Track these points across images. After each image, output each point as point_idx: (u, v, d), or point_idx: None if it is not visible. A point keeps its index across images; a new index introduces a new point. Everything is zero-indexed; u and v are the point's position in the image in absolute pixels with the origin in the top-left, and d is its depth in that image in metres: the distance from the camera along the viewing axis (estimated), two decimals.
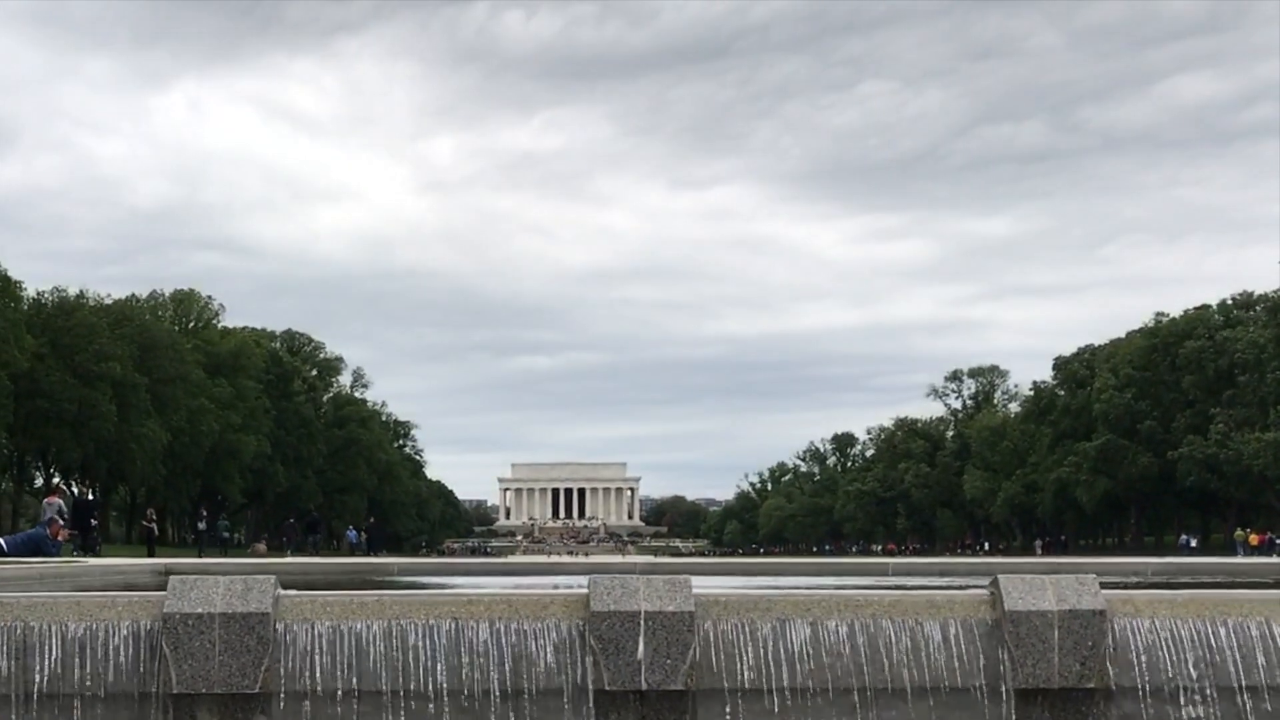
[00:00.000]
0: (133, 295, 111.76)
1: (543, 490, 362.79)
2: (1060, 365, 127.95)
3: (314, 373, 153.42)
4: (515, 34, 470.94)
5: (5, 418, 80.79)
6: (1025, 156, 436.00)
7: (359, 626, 7.62)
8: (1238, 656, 8.06)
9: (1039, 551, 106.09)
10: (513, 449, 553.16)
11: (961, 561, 14.43)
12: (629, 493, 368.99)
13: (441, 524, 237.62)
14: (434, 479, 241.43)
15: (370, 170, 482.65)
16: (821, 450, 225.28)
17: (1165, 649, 8.06)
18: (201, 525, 78.69)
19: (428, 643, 7.65)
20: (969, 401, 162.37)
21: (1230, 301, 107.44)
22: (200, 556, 56.35)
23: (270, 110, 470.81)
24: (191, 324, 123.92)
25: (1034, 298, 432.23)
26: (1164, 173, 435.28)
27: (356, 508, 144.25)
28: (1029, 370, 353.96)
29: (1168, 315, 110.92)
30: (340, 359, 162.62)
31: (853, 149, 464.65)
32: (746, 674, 7.84)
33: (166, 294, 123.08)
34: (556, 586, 10.04)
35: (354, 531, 77.65)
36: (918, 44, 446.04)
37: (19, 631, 7.42)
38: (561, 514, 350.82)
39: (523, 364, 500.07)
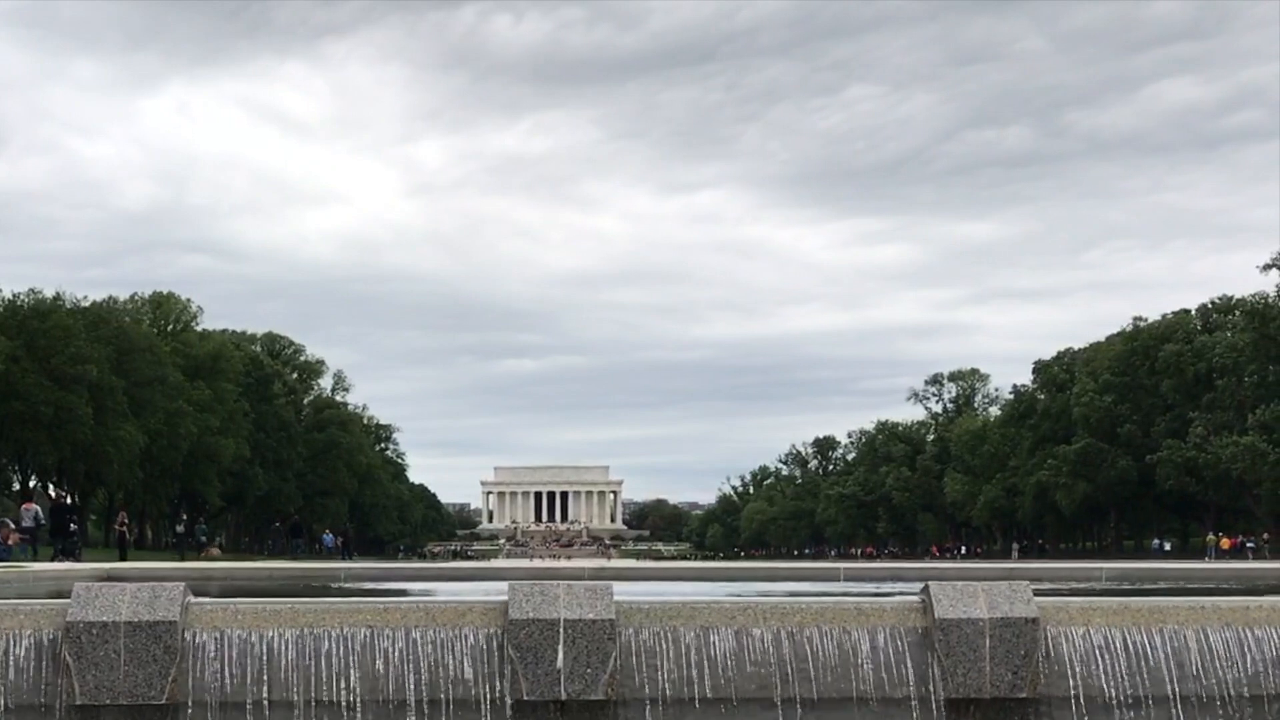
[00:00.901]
0: (110, 297, 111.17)
1: (525, 493, 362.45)
2: (1040, 369, 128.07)
3: (294, 376, 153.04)
4: (504, 38, 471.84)
5: None
6: (1011, 161, 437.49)
7: (271, 635, 7.46)
8: (1171, 665, 7.95)
9: (1015, 555, 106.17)
10: (496, 452, 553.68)
11: (913, 566, 14.31)
12: (612, 496, 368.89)
13: (424, 527, 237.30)
14: (416, 482, 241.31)
15: (358, 173, 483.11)
16: (803, 454, 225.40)
17: (1099, 658, 7.94)
18: (180, 529, 78.30)
19: (341, 651, 7.49)
20: (949, 405, 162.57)
21: (1210, 305, 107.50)
22: (181, 560, 56.20)
23: (258, 113, 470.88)
24: (170, 326, 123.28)
25: (1018, 301, 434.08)
26: (1149, 177, 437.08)
27: (337, 511, 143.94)
28: (1014, 374, 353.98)
29: (1146, 319, 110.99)
30: (321, 362, 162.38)
31: (840, 153, 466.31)
32: (669, 683, 7.69)
33: (145, 296, 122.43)
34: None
35: (330, 535, 77.35)
36: (905, 48, 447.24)
37: None
38: (544, 517, 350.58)
39: (508, 367, 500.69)
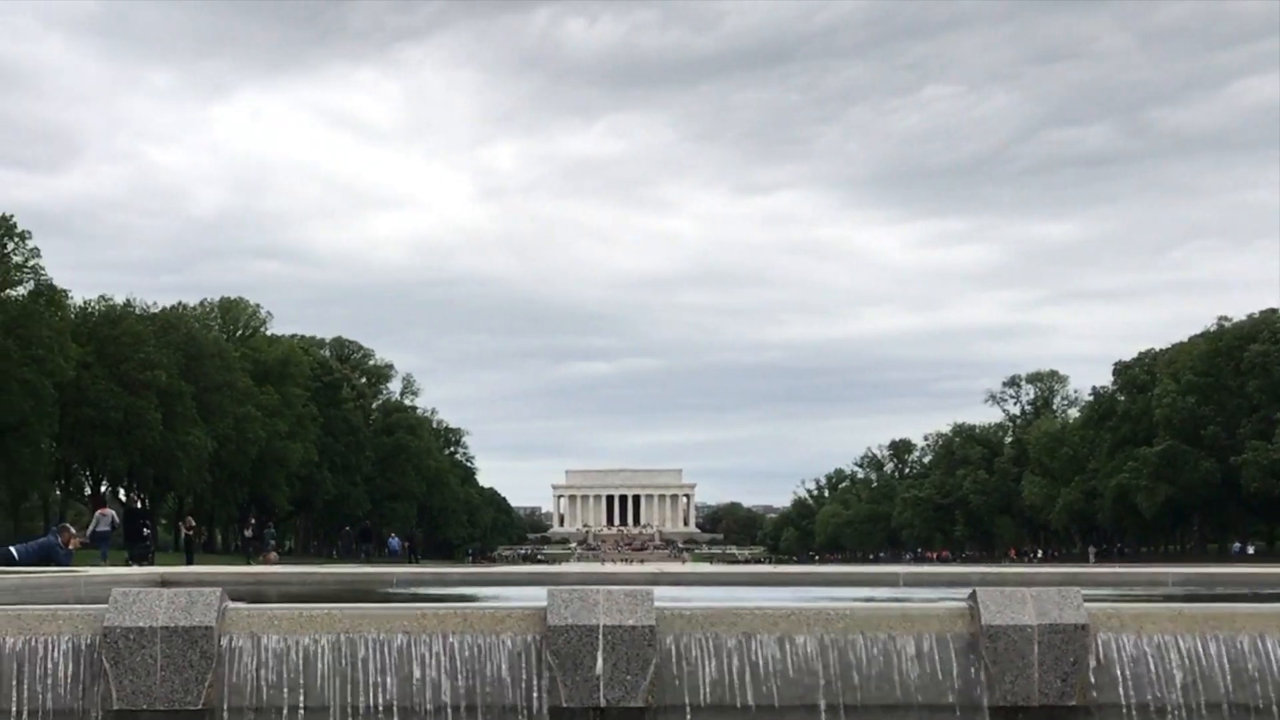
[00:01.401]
0: (179, 303, 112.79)
1: (597, 497, 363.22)
2: (1120, 370, 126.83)
3: (363, 380, 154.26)
4: (577, 40, 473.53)
5: (51, 427, 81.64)
6: (1092, 160, 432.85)
7: (306, 641, 7.50)
8: (1229, 673, 7.83)
9: (1092, 559, 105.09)
10: (568, 456, 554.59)
11: (975, 571, 14.18)
12: (685, 499, 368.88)
13: (494, 531, 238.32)
14: (486, 486, 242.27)
15: (430, 177, 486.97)
16: (879, 457, 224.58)
17: (1152, 665, 7.83)
18: (248, 533, 79.41)
19: (378, 658, 7.53)
20: (1027, 407, 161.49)
21: None
22: (248, 564, 56.96)
23: (331, 118, 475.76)
24: (239, 332, 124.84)
25: (1098, 302, 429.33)
26: (1233, 175, 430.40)
27: (406, 515, 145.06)
28: (1093, 376, 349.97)
29: (1230, 319, 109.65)
30: (390, 366, 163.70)
31: (917, 153, 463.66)
32: (710, 690, 7.67)
33: (214, 302, 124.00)
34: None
35: (396, 539, 77.92)
36: (983, 47, 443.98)
37: None
38: (616, 521, 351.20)
39: (579, 370, 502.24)
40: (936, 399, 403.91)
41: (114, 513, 54.40)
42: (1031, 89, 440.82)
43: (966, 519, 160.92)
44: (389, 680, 7.50)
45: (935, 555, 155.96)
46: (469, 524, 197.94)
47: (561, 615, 7.61)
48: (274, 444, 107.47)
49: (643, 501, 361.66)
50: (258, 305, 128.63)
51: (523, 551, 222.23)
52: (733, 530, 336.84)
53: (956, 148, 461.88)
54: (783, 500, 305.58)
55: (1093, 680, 7.75)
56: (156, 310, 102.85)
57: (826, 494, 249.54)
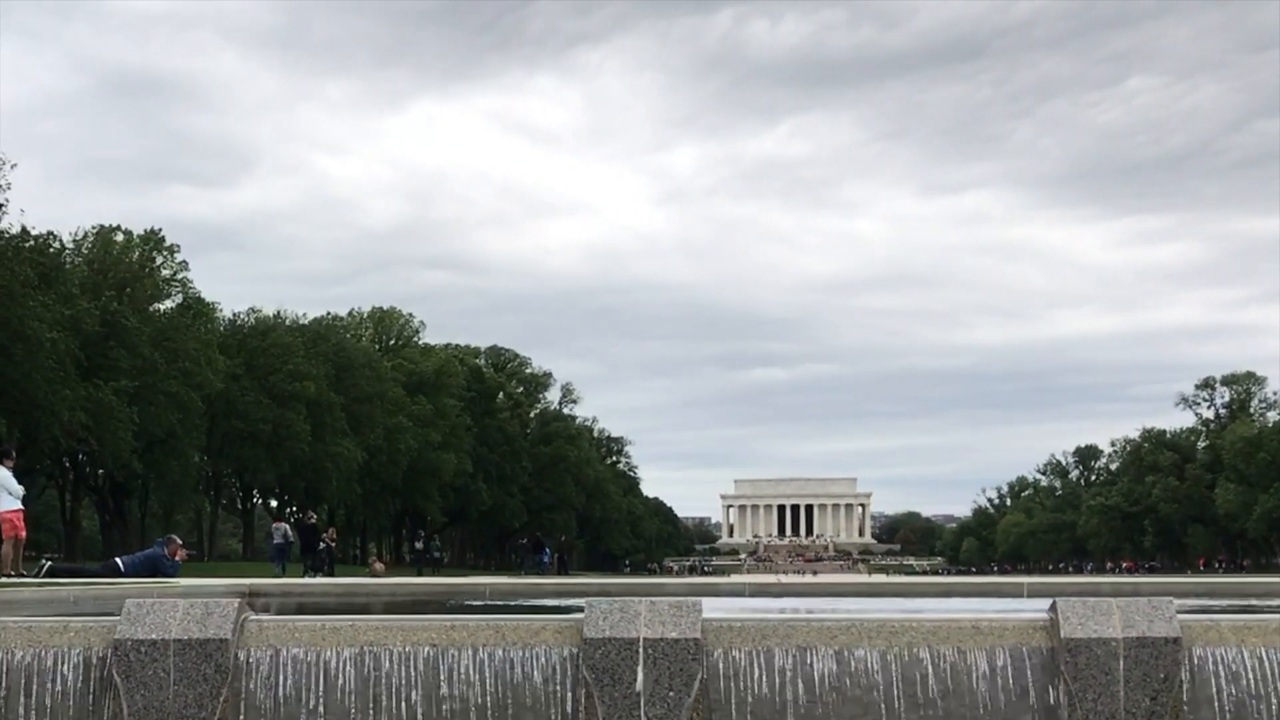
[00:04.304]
0: (329, 314, 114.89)
1: (768, 507, 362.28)
2: None
3: (520, 389, 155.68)
4: (761, 41, 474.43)
5: (199, 439, 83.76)
6: None
7: (328, 654, 7.42)
8: None
9: None
10: (738, 465, 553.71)
11: (1108, 581, 13.67)
12: (860, 509, 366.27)
13: (659, 542, 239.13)
14: (651, 496, 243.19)
15: (608, 182, 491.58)
16: (1063, 463, 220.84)
17: (1251, 681, 7.42)
18: (419, 544, 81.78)
19: (403, 671, 7.42)
20: (1222, 411, 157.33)
21: None
22: (419, 575, 58.24)
23: (507, 125, 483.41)
24: (392, 342, 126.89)
25: None
26: None
27: (566, 525, 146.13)
28: None
29: None
30: (548, 374, 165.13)
31: (1118, 148, 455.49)
32: (761, 708, 7.43)
33: (365, 312, 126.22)
34: None
35: (547, 551, 78.68)
36: (1190, 36, 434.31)
37: None
38: (788, 531, 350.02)
39: (756, 377, 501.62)
40: (1133, 403, 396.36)
41: (287, 527, 56.68)
42: (1242, 79, 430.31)
43: (1156, 528, 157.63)
44: (414, 695, 7.39)
45: (1118, 567, 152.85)
46: (632, 535, 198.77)
47: (599, 627, 7.43)
48: (426, 455, 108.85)
49: (815, 511, 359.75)
50: (410, 315, 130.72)
51: (689, 563, 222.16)
52: (910, 541, 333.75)
53: (1161, 141, 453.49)
54: (963, 509, 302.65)
55: (1185, 698, 7.36)
56: (306, 321, 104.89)
57: (1008, 502, 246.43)
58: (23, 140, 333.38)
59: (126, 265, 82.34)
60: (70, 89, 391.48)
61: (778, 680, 7.46)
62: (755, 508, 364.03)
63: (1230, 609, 10.21)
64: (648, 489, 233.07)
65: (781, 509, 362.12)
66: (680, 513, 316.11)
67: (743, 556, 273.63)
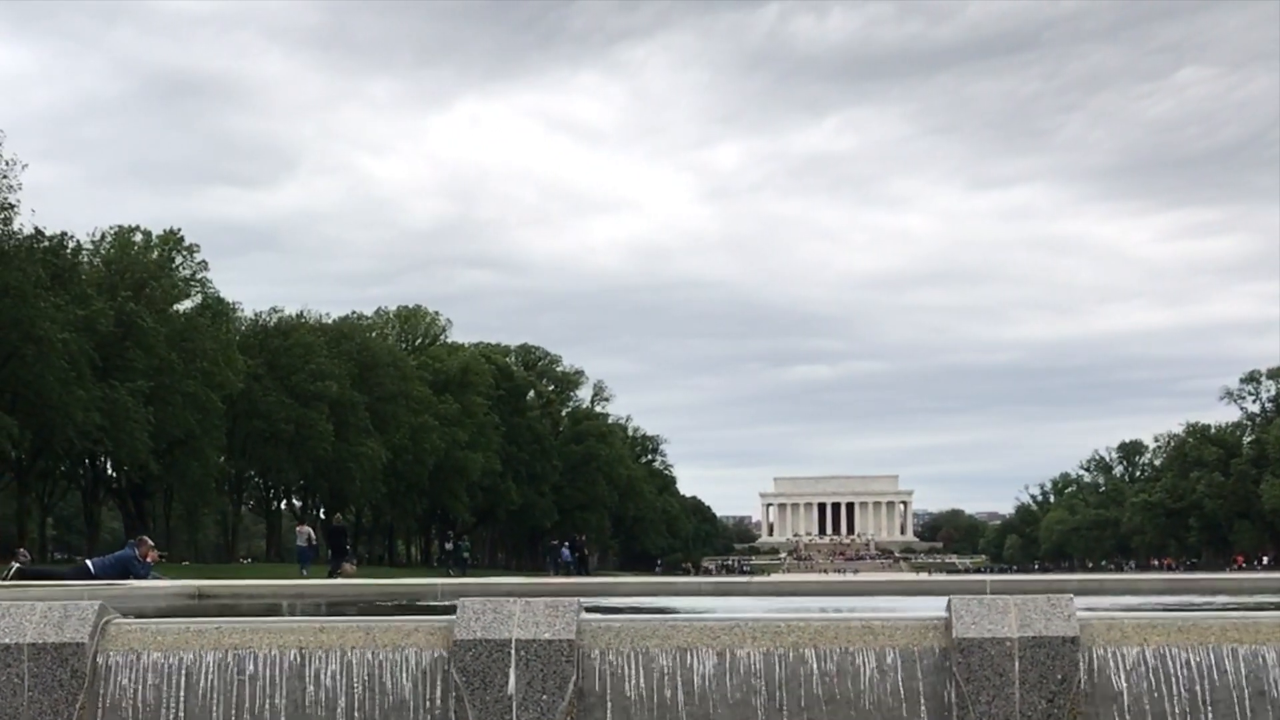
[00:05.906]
0: (353, 313, 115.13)
1: (808, 505, 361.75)
2: None
3: (550, 388, 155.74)
4: (808, 36, 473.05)
5: (219, 439, 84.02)
6: None
7: (190, 658, 7.33)
8: (1246, 690, 7.21)
9: None
10: (779, 463, 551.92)
11: (1073, 579, 13.44)
12: (901, 507, 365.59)
13: (696, 541, 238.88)
14: (688, 495, 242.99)
15: (652, 179, 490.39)
16: (1107, 459, 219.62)
17: (1154, 682, 7.25)
18: (449, 546, 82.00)
19: (268, 675, 7.32)
20: (1268, 405, 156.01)
21: None
22: (449, 577, 58.35)
23: (550, 123, 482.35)
24: (419, 341, 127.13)
25: None
26: None
27: (598, 525, 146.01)
28: None
29: None
30: (580, 372, 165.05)
31: (1169, 140, 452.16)
32: (638, 711, 7.30)
33: (390, 311, 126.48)
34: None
35: (568, 550, 78.57)
36: (1244, 26, 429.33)
37: None
38: (828, 530, 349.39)
39: (800, 374, 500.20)
40: (1183, 398, 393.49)
41: (310, 530, 56.95)
42: None
43: (1201, 525, 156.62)
44: (279, 700, 7.30)
45: (1161, 563, 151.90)
46: (668, 534, 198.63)
47: (470, 628, 7.33)
48: (453, 454, 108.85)
49: (856, 509, 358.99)
50: (436, 313, 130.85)
51: (728, 562, 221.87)
52: (953, 539, 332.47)
53: (1214, 133, 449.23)
54: (1007, 507, 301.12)
55: (1084, 700, 7.22)
56: (329, 321, 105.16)
57: (1051, 499, 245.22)
58: (66, 144, 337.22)
59: (143, 265, 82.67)
60: (113, 92, 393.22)
61: (656, 682, 7.35)
62: (795, 506, 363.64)
63: (1162, 607, 10.03)
64: (687, 488, 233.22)
65: (822, 507, 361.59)
66: (720, 512, 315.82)
67: (782, 555, 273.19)
